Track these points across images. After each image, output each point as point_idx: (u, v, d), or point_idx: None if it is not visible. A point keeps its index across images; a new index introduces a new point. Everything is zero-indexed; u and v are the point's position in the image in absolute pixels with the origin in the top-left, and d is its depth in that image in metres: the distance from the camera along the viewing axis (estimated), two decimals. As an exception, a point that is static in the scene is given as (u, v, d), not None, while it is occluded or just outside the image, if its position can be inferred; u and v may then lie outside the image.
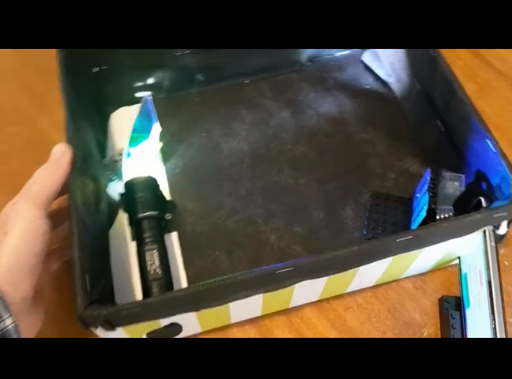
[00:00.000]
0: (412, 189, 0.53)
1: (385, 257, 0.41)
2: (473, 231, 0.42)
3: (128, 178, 0.49)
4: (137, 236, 0.46)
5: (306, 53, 0.61)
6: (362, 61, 0.63)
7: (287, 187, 0.54)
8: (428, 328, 0.49)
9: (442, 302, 0.49)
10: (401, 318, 0.49)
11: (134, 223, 0.47)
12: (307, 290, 0.44)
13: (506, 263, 0.51)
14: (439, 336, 0.48)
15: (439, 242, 0.41)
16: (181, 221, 0.51)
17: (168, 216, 0.50)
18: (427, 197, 0.45)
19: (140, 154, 0.52)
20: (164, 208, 0.50)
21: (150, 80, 0.57)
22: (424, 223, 0.45)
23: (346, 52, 0.63)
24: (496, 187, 0.44)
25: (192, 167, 0.55)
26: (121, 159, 0.53)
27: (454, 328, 0.47)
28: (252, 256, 0.49)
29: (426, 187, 0.46)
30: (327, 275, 0.40)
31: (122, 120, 0.57)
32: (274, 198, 0.53)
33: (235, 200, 0.53)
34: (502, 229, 0.43)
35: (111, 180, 0.51)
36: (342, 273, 0.41)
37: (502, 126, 0.57)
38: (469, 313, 0.46)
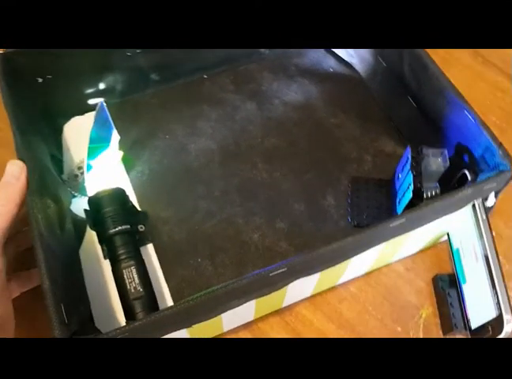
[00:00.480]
0: (391, 169, 0.51)
1: (379, 243, 0.39)
2: (464, 206, 0.40)
3: (92, 193, 0.45)
4: (111, 254, 0.43)
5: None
6: (322, 45, 0.60)
7: (263, 182, 0.51)
8: (426, 308, 0.48)
9: (437, 280, 0.48)
10: (397, 303, 0.48)
11: (105, 240, 0.43)
12: (300, 288, 0.42)
13: (494, 233, 0.51)
14: (437, 316, 0.47)
15: (432, 220, 0.40)
16: (155, 231, 0.48)
17: (141, 228, 0.47)
18: (410, 176, 0.43)
19: (101, 165, 0.48)
20: (136, 220, 0.46)
21: (102, 85, 0.53)
22: (411, 203, 0.43)
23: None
24: (480, 158, 0.42)
25: (160, 173, 0.51)
26: (82, 173, 0.49)
27: (453, 306, 0.45)
28: (237, 259, 0.47)
29: (408, 166, 0.44)
30: (321, 270, 0.38)
31: (77, 131, 0.53)
32: (251, 195, 0.50)
33: (211, 202, 0.50)
34: (490, 200, 0.42)
35: (74, 197, 0.47)
36: (336, 266, 0.39)
37: (470, 98, 0.57)
38: (466, 289, 0.45)
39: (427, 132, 0.50)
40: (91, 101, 0.54)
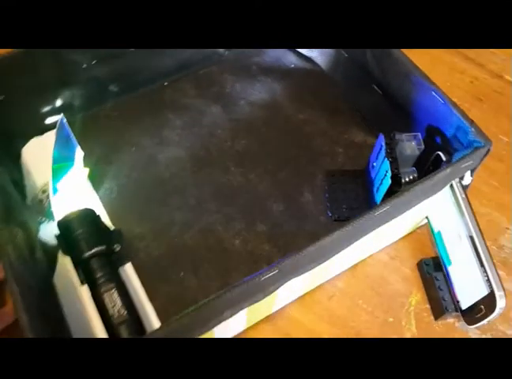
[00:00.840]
0: (364, 159, 0.51)
1: (366, 234, 0.38)
2: (443, 187, 0.40)
3: (60, 216, 0.42)
4: (88, 278, 0.40)
5: (222, 42, 0.57)
6: (280, 41, 0.60)
7: (238, 186, 0.50)
8: (414, 295, 0.47)
9: (421, 265, 0.48)
10: (386, 293, 0.47)
11: (81, 264, 0.41)
12: (290, 290, 0.41)
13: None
14: (427, 302, 0.47)
15: (414, 205, 0.40)
16: (132, 249, 0.46)
17: (117, 247, 0.44)
18: (387, 163, 0.43)
19: (68, 186, 0.45)
20: (110, 239, 0.44)
21: (59, 102, 0.51)
22: (390, 190, 0.43)
23: (262, 34, 0.60)
24: (452, 138, 0.43)
25: (129, 188, 0.49)
26: (47, 197, 0.46)
27: (441, 290, 0.45)
28: (221, 268, 0.45)
29: (383, 153, 0.44)
30: (312, 268, 0.37)
31: (36, 152, 0.50)
32: (228, 201, 0.49)
33: (187, 212, 0.48)
34: (467, 179, 0.43)
35: (41, 222, 0.45)
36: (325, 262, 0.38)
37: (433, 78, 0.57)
38: (452, 271, 0.45)
39: (395, 118, 0.50)
40: (49, 120, 0.52)
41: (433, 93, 0.42)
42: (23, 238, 0.39)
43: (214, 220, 0.48)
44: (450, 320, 0.46)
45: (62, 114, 0.51)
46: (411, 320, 0.46)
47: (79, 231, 0.41)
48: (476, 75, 0.63)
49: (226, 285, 0.43)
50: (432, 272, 0.47)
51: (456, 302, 0.44)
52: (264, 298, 0.36)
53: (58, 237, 0.42)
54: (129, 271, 0.44)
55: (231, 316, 0.35)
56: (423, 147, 0.42)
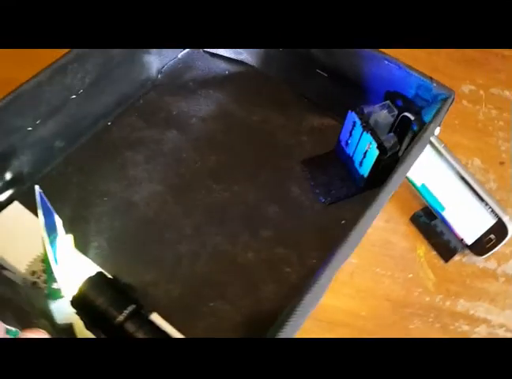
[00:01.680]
0: (330, 141, 0.53)
1: (382, 207, 0.40)
2: (427, 143, 0.43)
3: (70, 293, 0.38)
4: (128, 343, 0.37)
5: (152, 67, 0.55)
6: (206, 52, 0.59)
7: (227, 201, 0.49)
8: (419, 247, 0.51)
9: (415, 219, 0.51)
10: (395, 254, 0.50)
11: (113, 332, 0.38)
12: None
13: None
14: (432, 249, 0.50)
15: (408, 171, 0.42)
16: (151, 298, 0.43)
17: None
18: (367, 136, 0.45)
19: (62, 258, 0.41)
20: (130, 296, 0.41)
21: (8, 176, 0.45)
22: (378, 159, 0.45)
23: (186, 50, 0.59)
24: (415, 97, 0.46)
25: (119, 239, 0.46)
26: (38, 277, 0.42)
27: (444, 234, 0.49)
28: (246, 284, 0.44)
29: (360, 128, 0.46)
30: (350, 255, 0.38)
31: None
32: (222, 218, 0.48)
33: (188, 243, 0.46)
34: (437, 130, 0.46)
35: (48, 305, 0.40)
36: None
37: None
38: (448, 215, 0.48)
39: (345, 96, 0.52)
40: (1, 197, 0.46)
41: (386, 62, 0.45)
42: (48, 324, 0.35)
43: (218, 241, 0.46)
44: (457, 258, 0.50)
45: (11, 190, 0.46)
46: (426, 270, 0.49)
47: (101, 299, 0.38)
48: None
49: (257, 300, 0.44)
50: (428, 221, 0.50)
51: (460, 240, 0.48)
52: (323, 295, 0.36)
53: (79, 314, 0.38)
54: (158, 321, 0.41)
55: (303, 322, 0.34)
56: (396, 112, 0.45)
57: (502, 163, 0.57)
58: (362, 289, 0.48)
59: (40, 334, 0.28)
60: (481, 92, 0.66)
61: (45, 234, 0.38)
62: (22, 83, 0.41)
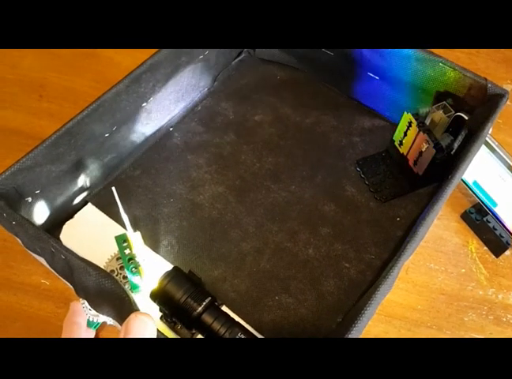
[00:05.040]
0: (381, 141, 0.55)
1: (444, 202, 0.42)
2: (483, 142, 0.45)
3: (150, 285, 0.42)
4: (208, 335, 0.40)
5: (209, 74, 0.58)
6: (258, 58, 0.62)
7: (286, 201, 0.52)
8: (471, 243, 0.52)
9: (467, 215, 0.53)
10: (448, 249, 0.52)
11: (193, 325, 0.41)
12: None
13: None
14: (483, 245, 0.52)
15: (468, 165, 0.44)
16: (219, 293, 0.46)
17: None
18: (423, 136, 0.47)
19: (139, 251, 0.44)
20: (204, 289, 0.44)
21: (84, 180, 0.49)
22: (434, 158, 0.47)
23: (239, 58, 0.62)
24: (467, 97, 0.47)
25: (187, 237, 0.49)
26: (120, 272, 0.45)
27: (496, 229, 0.51)
28: (309, 279, 0.47)
29: (415, 129, 0.48)
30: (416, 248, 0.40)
31: (74, 235, 0.48)
32: (283, 217, 0.51)
33: (252, 240, 0.49)
34: (490, 128, 0.48)
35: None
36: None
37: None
38: (500, 210, 0.50)
39: (397, 97, 0.54)
40: (76, 200, 0.50)
41: (441, 64, 0.47)
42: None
43: (280, 239, 0.49)
44: (507, 253, 0.52)
45: (85, 193, 0.50)
46: (478, 264, 0.51)
47: (180, 293, 0.41)
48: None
49: (319, 293, 0.46)
50: (480, 217, 0.52)
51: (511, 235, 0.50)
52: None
53: (160, 307, 0.41)
54: (229, 313, 0.44)
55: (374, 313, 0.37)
56: (453, 112, 0.47)
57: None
58: (417, 284, 0.50)
59: (149, 317, 0.32)
60: (523, 91, 0.67)
61: (129, 227, 0.42)
62: (104, 92, 0.44)
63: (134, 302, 0.35)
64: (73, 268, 0.35)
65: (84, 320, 0.42)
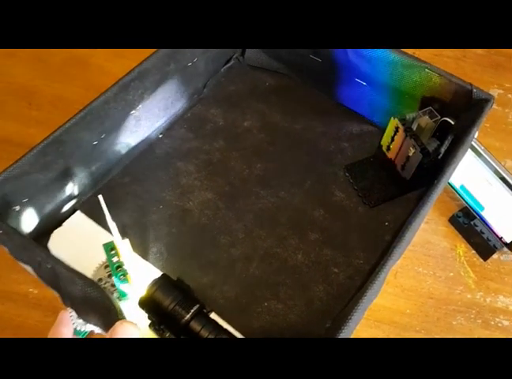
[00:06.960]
0: (368, 146, 0.56)
1: (430, 207, 0.42)
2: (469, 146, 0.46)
3: (138, 293, 0.42)
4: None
5: (198, 81, 0.59)
6: (249, 65, 0.62)
7: (275, 206, 0.52)
8: (459, 247, 0.53)
9: (454, 219, 0.53)
10: (436, 253, 0.52)
11: (180, 332, 0.41)
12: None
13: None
14: (471, 249, 0.52)
15: (455, 169, 0.44)
16: (208, 298, 0.46)
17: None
18: (410, 141, 0.47)
19: (127, 259, 0.44)
20: (192, 296, 0.44)
21: (72, 188, 0.49)
22: (421, 163, 0.47)
23: (228, 65, 0.62)
24: (453, 102, 0.48)
25: (175, 244, 0.49)
26: (104, 282, 0.45)
27: (483, 233, 0.51)
28: (298, 285, 0.47)
29: (402, 134, 0.48)
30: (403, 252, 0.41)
31: (63, 243, 0.48)
32: (272, 223, 0.51)
33: (241, 246, 0.49)
34: (476, 133, 0.48)
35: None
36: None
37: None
38: (487, 214, 0.51)
39: (384, 102, 0.55)
40: (65, 208, 0.50)
41: (427, 70, 0.47)
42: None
43: (269, 245, 0.49)
44: (496, 256, 0.52)
45: (74, 200, 0.50)
46: (466, 268, 0.52)
47: (168, 301, 0.41)
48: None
49: (308, 299, 0.46)
50: (467, 221, 0.52)
51: (499, 239, 0.50)
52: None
53: (148, 315, 0.41)
54: (218, 320, 0.44)
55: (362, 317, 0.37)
56: (439, 117, 0.47)
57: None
58: (405, 288, 0.50)
59: (134, 326, 0.32)
60: (509, 96, 0.68)
61: (117, 234, 0.42)
62: (92, 100, 0.44)
63: (120, 311, 0.35)
64: (60, 277, 0.35)
65: (69, 331, 0.42)
